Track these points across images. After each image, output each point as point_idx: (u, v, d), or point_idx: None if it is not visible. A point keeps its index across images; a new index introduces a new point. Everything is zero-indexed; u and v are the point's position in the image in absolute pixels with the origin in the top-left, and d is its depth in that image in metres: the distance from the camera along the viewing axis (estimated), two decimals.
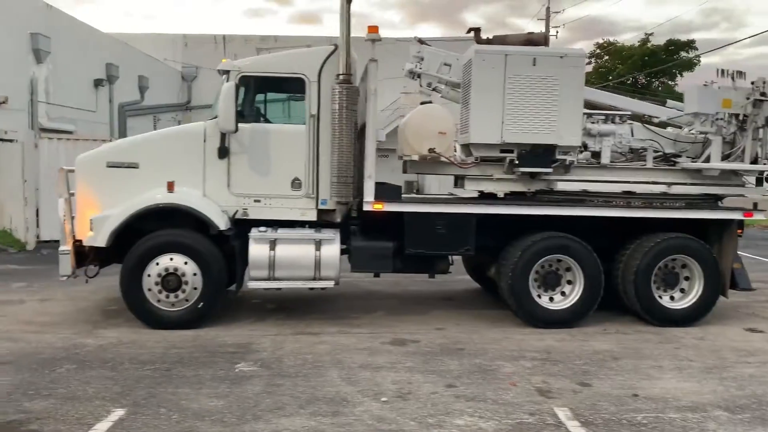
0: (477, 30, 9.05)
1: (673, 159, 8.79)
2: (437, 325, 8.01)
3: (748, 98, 8.31)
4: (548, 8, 42.56)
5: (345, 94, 7.69)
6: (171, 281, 7.57)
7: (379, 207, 7.85)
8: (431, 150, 8.12)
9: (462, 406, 5.32)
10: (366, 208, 7.86)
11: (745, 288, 8.34)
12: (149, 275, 7.55)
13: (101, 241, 7.55)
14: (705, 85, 8.47)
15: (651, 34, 59.11)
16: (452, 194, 9.16)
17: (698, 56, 57.12)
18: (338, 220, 7.99)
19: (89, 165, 8.03)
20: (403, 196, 8.36)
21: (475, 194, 8.56)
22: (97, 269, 8.14)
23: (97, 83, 21.59)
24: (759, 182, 8.68)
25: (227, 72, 7.91)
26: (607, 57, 61.41)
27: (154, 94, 26.27)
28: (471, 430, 4.86)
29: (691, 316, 8.15)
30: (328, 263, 7.80)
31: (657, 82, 59.34)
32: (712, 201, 8.60)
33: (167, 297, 7.59)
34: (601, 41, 59.97)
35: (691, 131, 8.93)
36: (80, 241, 7.75)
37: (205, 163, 7.89)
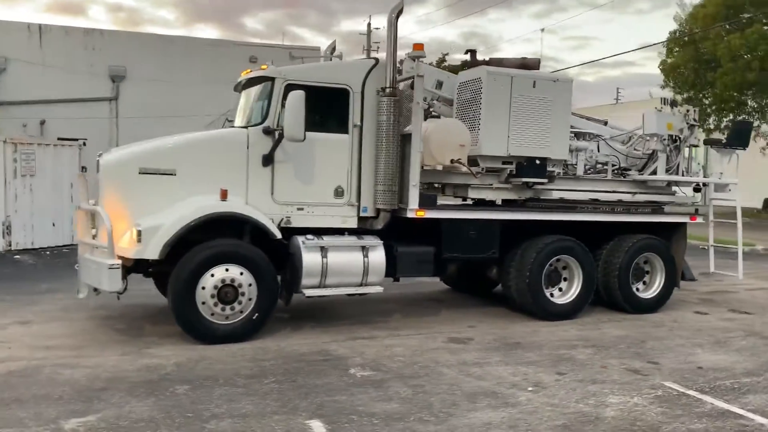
0: (473, 52, 9.86)
1: (625, 172, 10.38)
2: (467, 323, 8.64)
3: (685, 123, 10.15)
4: (369, 24, 44.51)
5: (392, 105, 8.02)
6: (229, 293, 7.28)
7: (421, 214, 8.28)
8: (453, 161, 8.73)
9: (594, 388, 6.08)
10: (409, 215, 8.24)
11: (690, 278, 10.18)
12: (203, 287, 7.19)
13: (153, 252, 7.03)
14: (659, 110, 10.15)
15: (447, 54, 64.13)
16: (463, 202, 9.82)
17: None
18: (380, 226, 8.25)
19: (119, 171, 7.42)
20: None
21: (470, 201, 9.38)
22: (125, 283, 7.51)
23: None
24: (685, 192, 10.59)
25: (272, 79, 7.82)
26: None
27: None
28: (626, 405, 5.64)
29: (656, 304, 9.74)
30: (375, 269, 8.06)
31: None
32: (657, 207, 10.33)
33: (222, 310, 7.29)
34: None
35: (636, 148, 10.60)
36: None
37: (248, 170, 7.70)
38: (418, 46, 8.31)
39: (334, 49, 10.11)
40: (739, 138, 10.12)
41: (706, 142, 10.58)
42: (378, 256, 8.08)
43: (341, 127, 8.05)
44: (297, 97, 7.36)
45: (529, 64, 9.67)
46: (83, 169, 14.32)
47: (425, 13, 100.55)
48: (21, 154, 13.01)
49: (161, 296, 8.48)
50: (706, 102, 27.78)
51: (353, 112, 8.06)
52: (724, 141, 10.41)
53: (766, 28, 25.40)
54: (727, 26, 25.94)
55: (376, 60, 8.24)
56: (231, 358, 6.79)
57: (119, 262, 6.93)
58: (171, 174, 7.46)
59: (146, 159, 7.48)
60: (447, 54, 59.62)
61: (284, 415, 5.23)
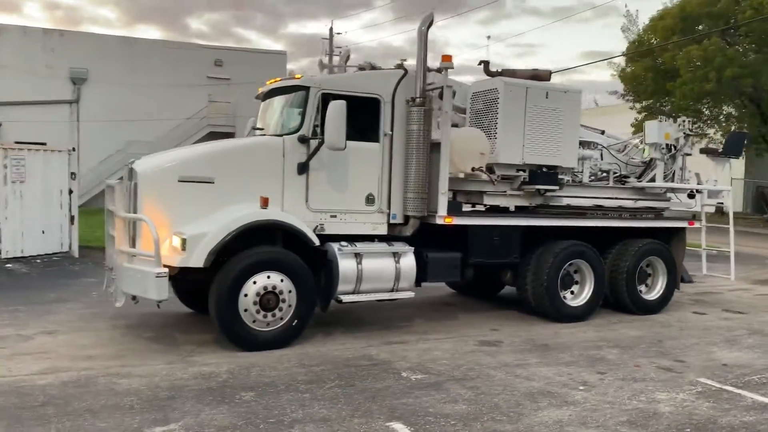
0: (486, 63, 10.13)
1: (624, 179, 10.86)
2: (488, 326, 8.90)
3: (681, 133, 10.69)
4: (331, 28, 44.58)
5: (422, 115, 8.23)
6: (270, 300, 7.36)
7: (449, 221, 8.51)
8: (474, 168, 8.99)
9: (638, 386, 6.41)
10: (438, 221, 8.46)
11: (688, 281, 10.71)
12: (246, 295, 7.25)
13: (197, 261, 7.04)
14: (660, 121, 10.65)
15: (405, 60, 64.46)
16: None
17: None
18: (409, 233, 8.43)
19: (158, 179, 7.41)
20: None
21: (481, 208, 9.67)
22: None
23: None
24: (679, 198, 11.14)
25: (306, 88, 7.93)
26: None
27: None
28: (676, 401, 5.98)
29: (659, 306, 10.23)
30: (406, 275, 8.24)
31: None
32: (658, 212, 10.83)
33: (264, 317, 7.35)
34: (362, 63, 63.89)
35: (633, 157, 11.10)
36: None
37: (284, 178, 7.79)
38: (447, 58, 8.54)
39: (348, 57, 10.26)
40: (734, 148, 10.72)
41: (703, 151, 11.15)
42: (409, 262, 8.27)
43: (373, 135, 8.21)
44: (338, 107, 7.49)
45: (540, 76, 10.01)
46: (72, 175, 14.03)
47: (372, 18, 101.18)
48: (11, 159, 12.65)
49: (174, 304, 8.44)
50: (665, 110, 28.99)
51: (384, 121, 8.23)
52: (721, 150, 11.00)
53: (719, 40, 26.68)
54: (685, 38, 27.13)
55: (405, 70, 8.45)
56: (279, 364, 6.86)
57: (166, 270, 6.92)
58: (209, 182, 7.49)
59: (186, 167, 7.49)
60: (405, 60, 59.60)
61: (363, 419, 5.36)
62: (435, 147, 8.44)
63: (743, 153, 10.73)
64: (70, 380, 6.19)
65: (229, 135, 33.92)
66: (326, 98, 7.93)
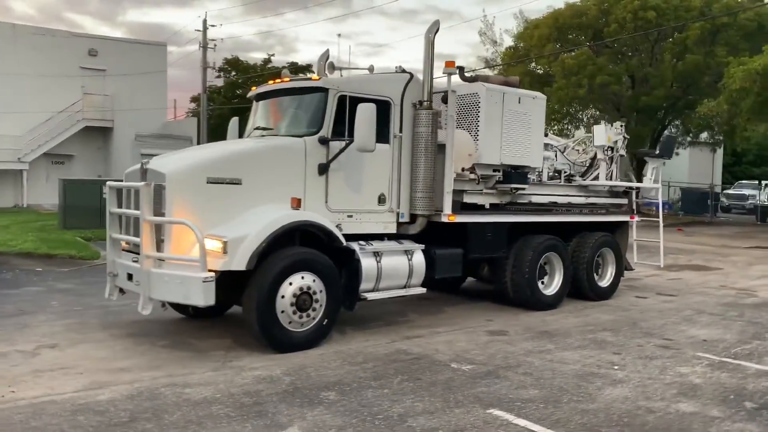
0: (461, 68, 10.64)
1: (571, 178, 11.88)
2: (482, 318, 9.43)
3: (620, 136, 11.90)
4: (205, 20, 42.96)
5: (430, 118, 8.57)
6: (306, 301, 7.37)
7: (453, 218, 8.93)
8: (463, 169, 9.49)
9: (658, 363, 7.23)
10: (443, 219, 8.85)
11: (630, 269, 11.95)
12: (283, 296, 7.22)
13: (240, 263, 6.91)
14: (605, 125, 11.76)
15: (273, 55, 63.70)
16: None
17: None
18: (416, 231, 8.74)
19: (187, 180, 7.16)
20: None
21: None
22: None
23: None
24: (619, 195, 12.38)
25: (325, 90, 7.98)
26: (235, 73, 64.43)
27: None
28: (699, 373, 6.85)
29: (610, 292, 11.34)
30: (417, 272, 8.57)
31: None
32: (606, 208, 11.96)
33: (300, 317, 7.36)
34: (229, 57, 62.43)
35: (578, 157, 12.16)
36: None
37: (305, 179, 7.82)
38: (450, 64, 8.95)
39: (328, 57, 10.30)
40: (667, 150, 12.10)
41: (640, 153, 12.46)
42: (420, 259, 8.60)
43: (384, 137, 8.41)
44: (369, 110, 7.64)
45: (510, 82, 10.70)
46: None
47: (220, 9, 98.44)
48: None
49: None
50: None
51: (394, 123, 8.48)
52: (657, 152, 12.35)
53: (588, 49, 29.33)
54: (559, 46, 29.51)
55: (411, 75, 8.73)
56: (327, 364, 6.93)
57: (213, 274, 6.72)
58: (237, 183, 7.36)
59: (214, 168, 7.30)
60: (273, 55, 59.22)
61: (461, 408, 5.65)
62: (440, 148, 8.82)
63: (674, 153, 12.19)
64: (131, 394, 5.88)
65: (107, 130, 31.99)
66: (342, 100, 8.05)
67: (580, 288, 10.92)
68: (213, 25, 44.44)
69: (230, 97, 62.20)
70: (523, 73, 31.93)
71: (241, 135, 9.58)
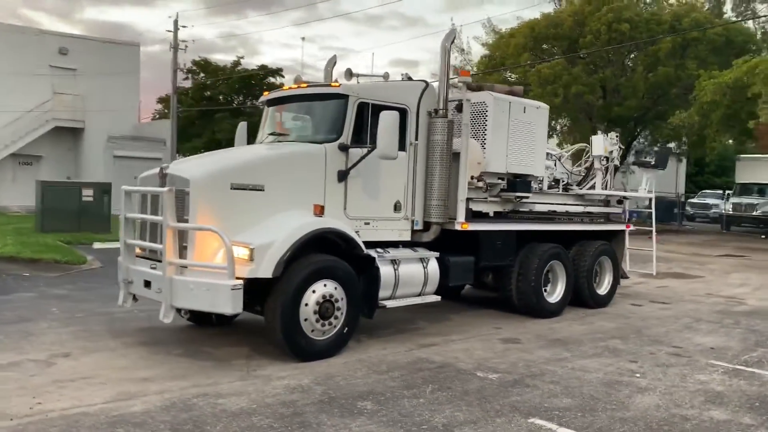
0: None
1: (569, 187, 12.05)
2: (490, 325, 9.48)
3: (616, 146, 12.14)
4: (176, 21, 42.29)
5: (446, 126, 8.60)
6: (328, 308, 7.31)
7: (465, 226, 8.97)
8: (473, 177, 9.54)
9: (675, 370, 7.36)
10: (457, 227, 8.88)
11: (625, 277, 12.16)
12: (306, 304, 7.14)
13: (266, 271, 6.81)
14: (603, 135, 11.97)
15: (242, 57, 63.51)
16: None
17: (282, 84, 64.33)
18: (430, 239, 8.75)
19: (211, 186, 7.05)
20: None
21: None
22: None
23: None
24: (614, 204, 12.61)
25: (345, 96, 7.94)
26: (203, 75, 63.67)
27: None
28: (717, 381, 6.99)
29: (608, 299, 11.52)
30: (432, 279, 8.57)
31: (249, 104, 64.62)
32: (606, 216, 12.15)
33: (322, 325, 7.29)
34: (198, 59, 61.72)
35: (577, 167, 12.35)
36: None
37: (325, 186, 7.76)
38: (465, 73, 9.05)
39: (335, 64, 10.26)
40: (662, 161, 12.38)
41: (636, 163, 12.71)
42: (435, 266, 8.61)
43: (401, 144, 8.39)
44: (393, 117, 7.63)
45: (515, 92, 10.81)
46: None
47: (181, 11, 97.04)
48: None
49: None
50: None
51: (410, 130, 8.47)
52: (653, 163, 12.63)
53: (563, 60, 29.82)
54: (534, 55, 29.93)
55: (427, 83, 8.75)
56: (353, 372, 6.88)
57: (241, 282, 6.61)
58: (260, 189, 7.26)
59: (238, 174, 7.19)
60: (242, 58, 58.90)
61: (502, 418, 5.67)
62: (454, 156, 8.85)
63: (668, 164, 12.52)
64: (164, 405, 5.73)
65: (77, 130, 31.23)
66: (362, 107, 8.02)
67: (581, 296, 11.06)
68: (184, 26, 43.66)
69: (198, 99, 61.48)
70: (498, 81, 32.31)
71: (249, 140, 9.48)
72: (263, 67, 62.00)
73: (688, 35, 28.42)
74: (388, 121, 7.60)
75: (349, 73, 8.65)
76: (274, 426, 5.33)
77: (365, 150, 7.78)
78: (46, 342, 7.73)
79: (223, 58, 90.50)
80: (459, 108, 9.12)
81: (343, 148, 7.82)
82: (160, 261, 7.17)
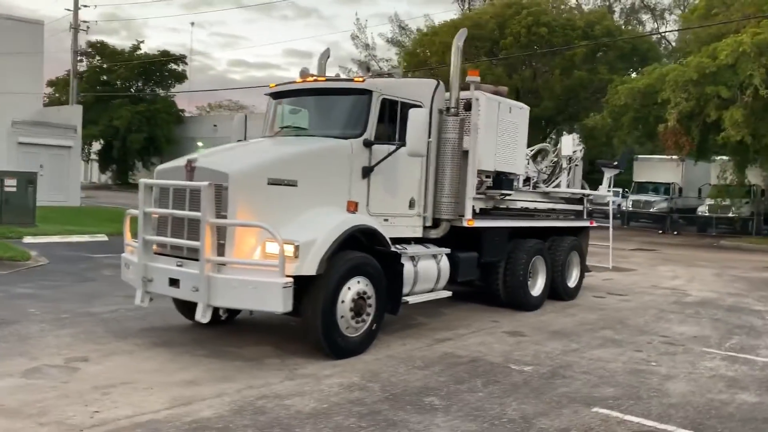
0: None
1: (536, 185, 12.55)
2: (487, 319, 9.73)
3: (580, 146, 12.77)
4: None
5: (458, 124, 8.74)
6: (362, 306, 7.28)
7: (471, 223, 9.16)
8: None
9: (681, 358, 7.90)
10: (464, 224, 9.05)
11: (588, 270, 12.82)
12: (343, 301, 7.08)
13: (310, 268, 6.68)
14: (571, 136, 12.54)
15: (142, 42, 61.45)
16: None
17: (185, 70, 62.34)
18: (439, 235, 8.86)
19: (250, 181, 6.83)
20: None
21: None
22: None
23: None
24: (576, 202, 13.25)
25: (369, 92, 7.90)
26: (99, 58, 60.50)
27: None
28: (723, 366, 7.58)
29: (576, 292, 12.12)
30: (444, 275, 8.71)
31: (149, 90, 62.08)
32: (575, 213, 12.73)
33: (356, 323, 7.25)
34: (93, 40, 58.62)
35: (543, 165, 12.86)
36: None
37: (350, 182, 7.70)
38: (474, 72, 9.18)
39: (328, 57, 10.12)
40: (624, 162, 13.11)
41: (599, 164, 13.39)
42: (446, 263, 8.74)
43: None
44: (422, 115, 7.67)
45: (500, 92, 11.11)
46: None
47: None
48: None
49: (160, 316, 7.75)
50: None
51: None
52: (615, 163, 13.34)
53: (488, 60, 30.80)
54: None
55: (438, 81, 8.86)
56: (395, 369, 6.90)
57: (291, 280, 6.44)
58: (293, 185, 7.11)
59: (274, 168, 7.01)
60: (142, 41, 56.32)
61: (568, 408, 5.90)
62: (463, 154, 9.01)
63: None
64: (233, 409, 5.52)
65: None
66: (383, 104, 8.01)
67: (556, 289, 11.57)
68: (86, 6, 41.09)
69: (93, 83, 58.01)
70: (427, 77, 32.88)
71: (246, 134, 9.20)
72: (165, 53, 59.61)
73: (601, 42, 30.18)
74: (418, 119, 7.63)
75: (366, 68, 8.62)
76: (363, 425, 5.27)
77: (392, 147, 7.78)
78: (50, 345, 7.18)
79: (107, 41, 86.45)
80: (467, 107, 9.29)
81: (368, 144, 7.78)
82: (187, 258, 6.88)
